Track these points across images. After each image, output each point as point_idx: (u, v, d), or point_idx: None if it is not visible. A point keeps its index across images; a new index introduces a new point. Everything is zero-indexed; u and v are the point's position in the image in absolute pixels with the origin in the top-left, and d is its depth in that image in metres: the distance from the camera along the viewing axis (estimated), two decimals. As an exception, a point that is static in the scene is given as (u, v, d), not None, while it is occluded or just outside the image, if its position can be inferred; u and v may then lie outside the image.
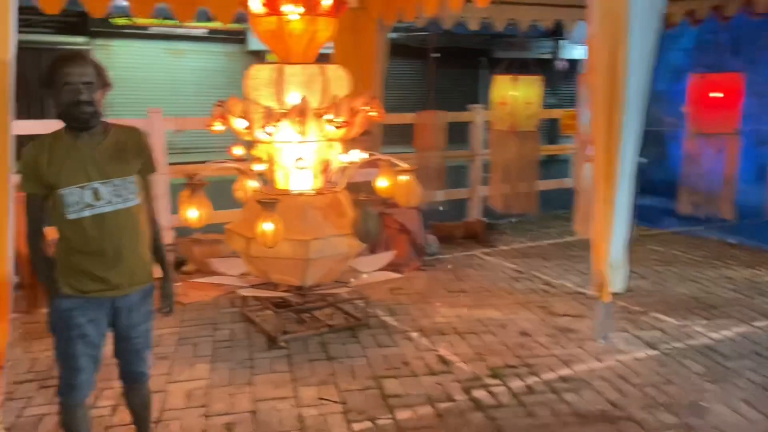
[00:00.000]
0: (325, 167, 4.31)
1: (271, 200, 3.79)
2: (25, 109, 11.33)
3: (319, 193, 4.26)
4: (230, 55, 15.30)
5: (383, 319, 4.59)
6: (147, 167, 2.56)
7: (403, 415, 3.26)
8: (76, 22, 13.83)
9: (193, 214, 3.95)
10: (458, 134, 7.67)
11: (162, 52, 15.70)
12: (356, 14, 6.18)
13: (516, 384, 3.60)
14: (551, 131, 16.03)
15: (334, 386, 3.56)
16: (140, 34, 15.22)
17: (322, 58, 4.49)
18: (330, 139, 4.17)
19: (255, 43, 13.90)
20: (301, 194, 4.22)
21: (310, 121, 3.95)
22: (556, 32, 17.26)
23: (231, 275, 4.56)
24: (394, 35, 17.28)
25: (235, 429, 3.13)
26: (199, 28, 15.27)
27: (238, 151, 4.32)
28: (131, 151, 2.49)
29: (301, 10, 3.98)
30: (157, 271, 2.69)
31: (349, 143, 4.60)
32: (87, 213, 2.39)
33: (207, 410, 3.30)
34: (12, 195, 2.64)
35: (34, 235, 2.42)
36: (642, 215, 7.35)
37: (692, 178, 6.64)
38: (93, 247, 2.41)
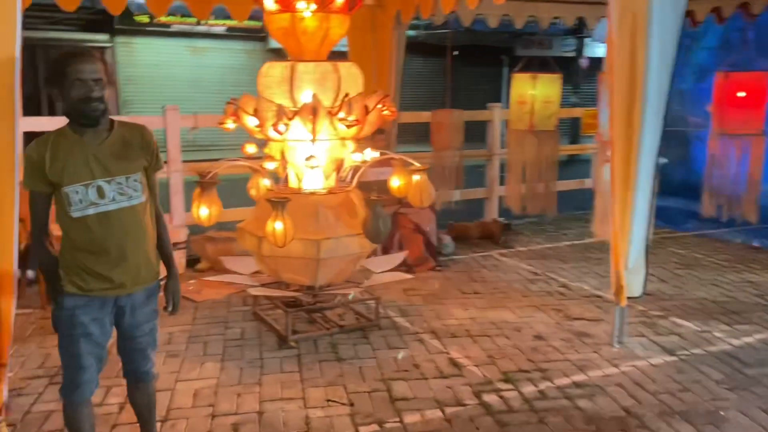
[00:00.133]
0: (338, 166, 4.27)
1: (281, 199, 3.76)
2: (48, 106, 11.49)
3: (331, 192, 4.23)
4: (251, 53, 15.35)
5: (395, 320, 4.54)
6: (152, 165, 2.54)
7: (411, 418, 3.21)
8: (100, 19, 13.96)
9: (203, 212, 3.93)
10: (479, 133, 7.59)
11: (183, 49, 15.80)
12: (373, 11, 6.14)
13: (528, 389, 3.52)
14: (573, 130, 15.88)
15: (343, 388, 3.52)
16: (162, 31, 15.33)
17: (340, 56, 4.45)
18: (342, 138, 4.13)
19: (275, 41, 13.97)
20: (312, 193, 4.19)
21: (322, 119, 3.91)
22: (580, 30, 17.12)
23: (243, 274, 4.55)
24: (413, 33, 17.32)
25: (240, 430, 3.11)
26: (220, 26, 15.36)
27: (251, 149, 4.29)
28: (136, 149, 2.47)
29: (314, 7, 3.94)
30: (163, 270, 2.66)
31: (362, 142, 4.56)
32: (91, 211, 2.37)
33: (214, 410, 3.28)
34: (18, 192, 2.63)
35: (38, 233, 2.41)
36: (664, 217, 7.23)
37: (716, 180, 6.48)
38: (97, 245, 2.39)
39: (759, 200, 6.30)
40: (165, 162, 5.91)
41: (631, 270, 3.98)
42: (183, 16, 14.32)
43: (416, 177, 4.21)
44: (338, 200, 4.21)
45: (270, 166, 4.18)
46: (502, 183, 7.31)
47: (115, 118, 2.51)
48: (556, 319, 4.59)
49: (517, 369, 3.76)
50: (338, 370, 3.74)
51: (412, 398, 3.41)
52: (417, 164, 4.21)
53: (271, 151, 4.22)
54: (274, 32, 4.16)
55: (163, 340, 4.12)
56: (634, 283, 4.02)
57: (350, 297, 4.46)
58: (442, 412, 3.27)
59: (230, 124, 4.17)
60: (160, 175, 6.02)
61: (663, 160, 6.94)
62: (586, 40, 17.88)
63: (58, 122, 2.45)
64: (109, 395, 3.37)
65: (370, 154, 4.23)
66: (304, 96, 3.99)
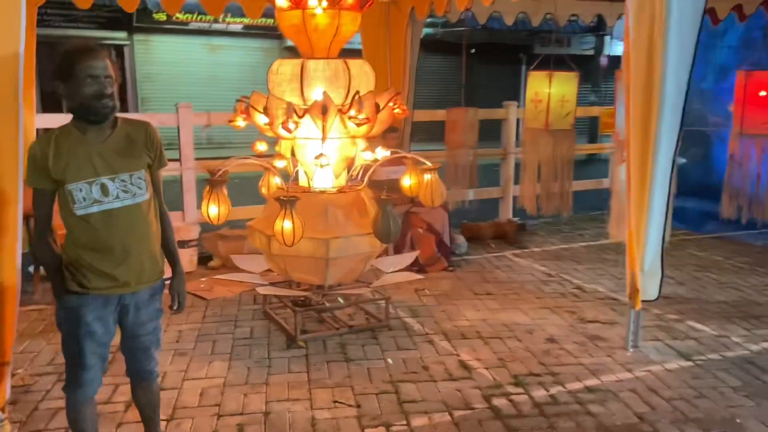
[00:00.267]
0: (348, 165, 4.22)
1: (289, 198, 3.73)
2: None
3: (342, 191, 4.19)
4: (267, 51, 15.37)
5: (405, 320, 4.49)
6: (156, 162, 2.51)
7: (418, 421, 3.16)
8: (118, 17, 14.07)
9: (213, 210, 3.90)
10: (496, 132, 7.51)
11: (200, 47, 15.87)
12: (387, 8, 6.09)
13: (539, 393, 3.46)
14: (592, 130, 15.72)
15: (350, 389, 3.48)
16: (179, 29, 15.40)
17: (354, 54, 4.41)
18: (353, 136, 4.08)
19: (291, 39, 13.97)
20: (323, 192, 4.15)
21: (332, 117, 3.87)
22: (599, 27, 16.92)
23: (253, 272, 4.52)
24: (431, 30, 17.24)
25: (246, 430, 3.07)
26: (237, 24, 15.38)
27: (262, 146, 4.26)
28: (140, 146, 2.44)
29: (326, 4, 3.90)
30: (168, 269, 2.64)
31: (373, 140, 4.52)
32: (95, 209, 2.35)
33: (220, 410, 3.25)
34: (22, 189, 2.62)
35: (41, 230, 2.40)
36: (682, 218, 7.10)
37: (736, 181, 6.35)
38: (101, 243, 2.37)
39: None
40: (178, 159, 5.94)
41: (647, 272, 3.89)
42: (200, 14, 14.39)
43: (427, 176, 4.15)
44: (348, 199, 4.17)
45: (280, 164, 4.15)
46: (517, 182, 7.23)
47: (119, 115, 2.48)
48: (570, 321, 4.51)
49: (528, 372, 3.70)
50: (346, 370, 3.70)
51: (421, 401, 3.36)
52: (428, 163, 4.16)
53: (282, 149, 4.19)
54: (285, 29, 4.13)
55: (172, 338, 4.15)
56: (649, 285, 3.93)
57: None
58: (451, 415, 3.22)
59: (240, 122, 4.14)
60: (173, 173, 6.08)
61: (682, 160, 6.84)
62: (606, 38, 17.68)
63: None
64: (116, 393, 3.36)
65: (381, 153, 4.19)
66: (315, 94, 3.95)
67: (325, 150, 3.93)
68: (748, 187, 6.22)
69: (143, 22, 14.84)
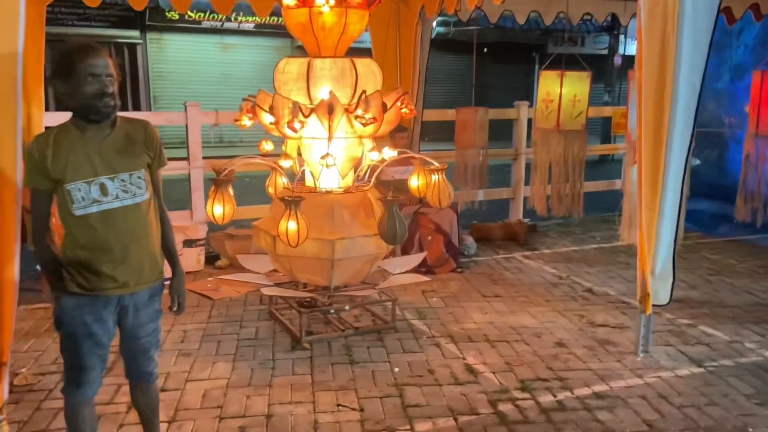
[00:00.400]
0: (355, 165, 4.18)
1: (294, 198, 3.69)
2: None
3: (348, 191, 4.14)
4: (279, 50, 15.37)
5: (412, 322, 4.44)
6: (156, 161, 2.47)
7: (422, 426, 3.10)
8: (131, 16, 14.14)
9: (217, 210, 3.87)
10: (508, 132, 7.43)
11: (213, 46, 15.92)
12: (397, 7, 6.04)
13: (546, 399, 3.39)
14: (605, 130, 15.56)
15: (354, 392, 3.43)
16: (192, 28, 15.45)
17: (364, 53, 4.36)
18: (360, 136, 4.04)
19: (303, 38, 13.96)
20: (329, 192, 4.11)
21: (338, 116, 3.82)
22: (613, 27, 16.77)
23: (258, 273, 4.49)
24: (443, 30, 17.16)
25: (247, 433, 3.05)
26: (249, 23, 15.39)
27: (268, 146, 4.23)
28: (140, 145, 2.41)
29: (333, 2, 3.85)
30: (167, 269, 2.60)
31: (381, 140, 4.47)
32: (94, 209, 2.32)
33: (222, 412, 3.22)
34: (20, 188, 2.60)
35: (39, 231, 2.37)
36: (696, 220, 7.00)
37: (751, 183, 6.23)
38: (100, 243, 2.34)
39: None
40: (186, 158, 5.93)
41: (658, 276, 3.81)
42: (212, 12, 14.43)
43: (435, 177, 4.10)
44: (355, 200, 4.12)
45: (285, 164, 4.11)
46: (528, 183, 7.15)
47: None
48: (579, 325, 4.43)
49: (535, 377, 3.63)
50: (350, 373, 3.66)
51: (425, 405, 3.31)
52: (436, 163, 4.10)
53: (288, 149, 4.15)
54: (292, 27, 4.09)
55: (177, 338, 4.13)
56: (661, 290, 3.85)
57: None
58: (455, 420, 3.16)
59: (246, 121, 4.10)
60: (182, 172, 6.07)
61: (695, 162, 6.74)
62: (621, 38, 17.51)
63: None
64: (118, 394, 3.34)
65: (388, 153, 4.14)
66: (322, 93, 3.90)
67: (332, 150, 3.89)
68: (764, 189, 6.09)
69: (156, 21, 14.91)
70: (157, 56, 15.50)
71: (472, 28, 14.52)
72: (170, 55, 15.60)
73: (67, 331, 2.41)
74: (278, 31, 15.18)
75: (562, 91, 5.89)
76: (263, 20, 14.47)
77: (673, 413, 3.25)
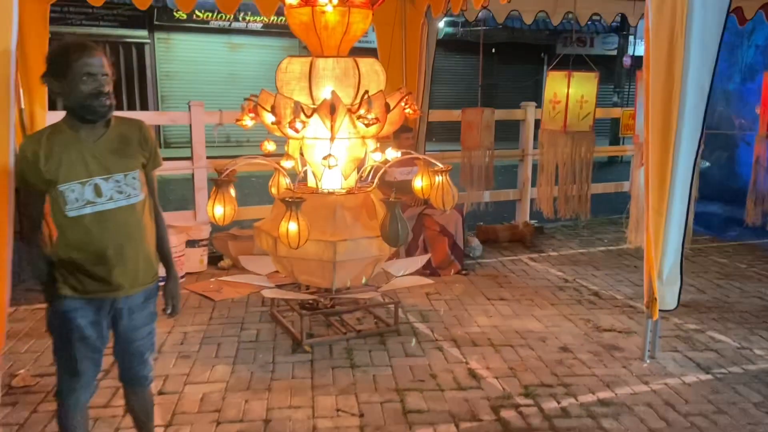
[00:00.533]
0: (358, 166, 4.13)
1: (295, 199, 3.64)
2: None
3: (350, 192, 4.09)
4: (287, 50, 15.34)
5: (415, 325, 4.38)
6: (151, 161, 2.43)
7: (422, 433, 3.06)
8: (139, 16, 14.15)
9: (218, 210, 3.83)
10: (515, 132, 7.36)
11: (221, 46, 15.92)
12: (403, 6, 5.99)
13: (550, 405, 3.33)
14: (613, 131, 15.45)
15: (354, 397, 3.38)
16: (200, 28, 15.47)
17: (370, 53, 4.32)
18: (363, 137, 3.99)
19: (310, 37, 13.94)
20: (331, 193, 4.06)
21: (341, 117, 3.77)
22: (623, 27, 16.64)
23: (259, 274, 4.45)
24: (451, 30, 17.08)
25: (245, 438, 3.00)
26: (257, 23, 15.39)
27: (270, 146, 4.19)
28: (134, 145, 2.37)
29: (336, 1, 3.81)
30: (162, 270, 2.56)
31: (386, 140, 4.42)
32: (88, 210, 2.27)
33: (219, 416, 3.17)
34: (12, 188, 2.56)
35: (31, 232, 2.33)
36: (705, 223, 6.91)
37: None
38: (94, 245, 2.30)
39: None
40: (190, 158, 5.90)
41: (666, 281, 3.74)
42: (220, 12, 14.41)
43: (439, 178, 4.04)
44: (357, 201, 4.07)
45: (287, 164, 4.07)
46: (534, 184, 7.08)
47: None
48: (585, 329, 4.36)
49: (539, 383, 3.57)
50: (351, 377, 3.60)
51: (426, 411, 3.25)
52: (440, 165, 4.05)
53: (290, 150, 4.11)
54: (295, 27, 4.04)
55: (177, 339, 4.09)
56: (668, 294, 3.78)
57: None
58: (457, 427, 3.10)
59: (248, 121, 4.06)
60: (185, 171, 6.03)
61: (705, 164, 6.65)
62: (630, 38, 17.38)
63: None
64: (115, 398, 3.29)
65: (392, 154, 4.09)
66: (324, 93, 3.86)
67: (334, 150, 3.84)
68: (774, 192, 6.01)
69: (164, 21, 14.94)
70: (165, 56, 15.52)
71: (480, 28, 14.45)
72: (178, 55, 15.62)
73: (59, 335, 2.37)
74: (286, 31, 15.14)
75: (569, 91, 5.82)
76: (271, 20, 14.51)
77: (679, 421, 3.18)
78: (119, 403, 3.24)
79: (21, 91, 4.58)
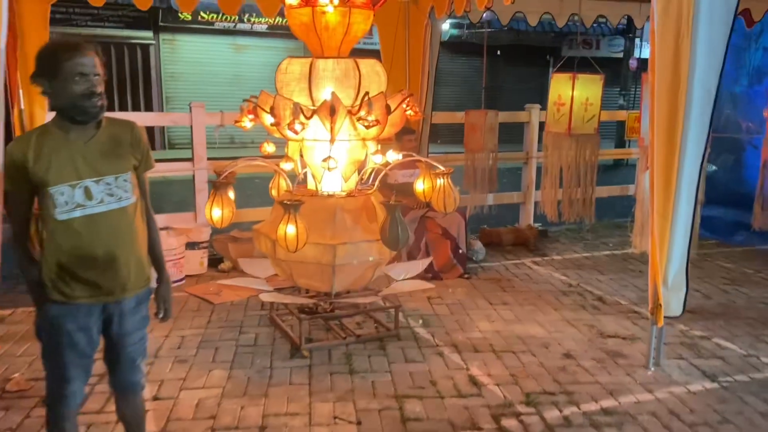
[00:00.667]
0: (358, 168, 4.07)
1: (293, 202, 3.59)
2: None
3: (351, 195, 4.03)
4: (292, 51, 15.30)
5: (416, 330, 4.32)
6: (143, 164, 2.38)
7: (421, 441, 2.99)
8: (144, 17, 14.15)
9: (216, 213, 3.78)
10: (519, 135, 7.29)
11: (226, 47, 15.91)
12: (407, 7, 5.93)
13: (552, 414, 3.26)
14: (619, 134, 15.35)
15: (352, 404, 3.32)
16: (205, 29, 15.46)
17: (373, 55, 4.26)
18: (363, 139, 3.93)
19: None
20: (331, 196, 4.00)
21: (341, 118, 3.72)
22: (629, 29, 16.54)
23: (258, 277, 4.40)
24: (456, 32, 17.03)
25: (240, 446, 2.95)
26: (262, 24, 15.37)
27: (269, 148, 4.14)
28: (126, 147, 2.32)
29: (337, 1, 3.75)
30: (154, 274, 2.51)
31: (388, 143, 4.37)
32: (78, 213, 2.22)
33: (215, 423, 3.12)
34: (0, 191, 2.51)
35: (19, 236, 2.28)
36: (711, 228, 6.81)
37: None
38: (84, 249, 2.25)
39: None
40: (189, 159, 5.86)
41: (671, 287, 3.67)
42: (217, 13, 14.42)
43: (440, 181, 3.98)
44: (357, 204, 4.02)
45: (287, 166, 4.02)
46: (539, 187, 7.01)
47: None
48: (588, 336, 4.29)
49: (541, 390, 3.50)
50: (349, 383, 3.54)
51: (425, 419, 3.19)
52: (441, 167, 3.99)
53: (289, 151, 4.05)
54: (295, 27, 4.00)
55: (173, 343, 4.04)
56: (673, 301, 3.71)
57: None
58: (456, 435, 3.05)
59: (247, 123, 4.01)
60: (186, 173, 5.98)
61: (712, 168, 6.56)
62: (636, 41, 17.28)
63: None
64: (109, 403, 3.23)
65: (393, 156, 4.03)
66: (324, 94, 3.80)
67: (334, 152, 3.78)
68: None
69: (169, 22, 14.93)
70: (170, 57, 15.52)
71: (485, 30, 14.40)
72: (183, 56, 15.61)
73: (48, 341, 2.32)
74: (291, 33, 15.11)
75: (574, 94, 5.75)
76: (276, 21, 14.50)
77: (684, 431, 3.11)
78: (113, 409, 3.17)
79: (21, 91, 4.54)
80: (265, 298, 4.09)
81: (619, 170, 13.60)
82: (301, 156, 4.02)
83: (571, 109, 5.76)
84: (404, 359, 3.87)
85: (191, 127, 5.79)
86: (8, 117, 4.66)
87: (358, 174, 4.12)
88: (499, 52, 17.78)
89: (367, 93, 3.74)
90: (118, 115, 2.31)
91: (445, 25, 14.71)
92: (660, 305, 3.63)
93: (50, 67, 2.18)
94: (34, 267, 2.29)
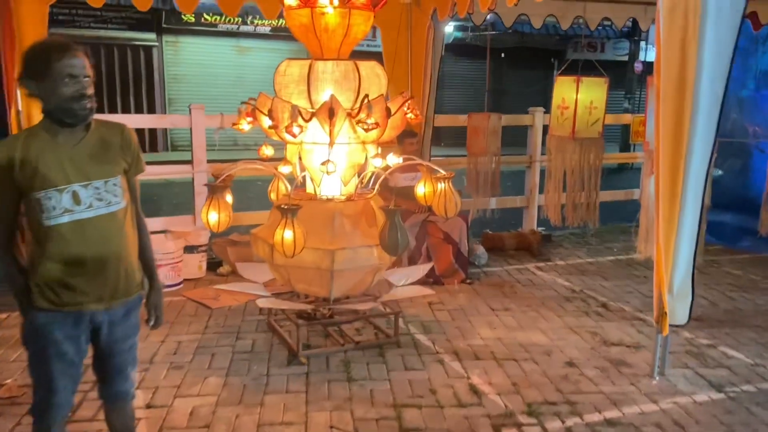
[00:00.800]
0: (358, 172, 4.00)
1: (291, 206, 3.52)
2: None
3: (350, 199, 3.97)
4: (295, 53, 15.19)
5: (416, 337, 4.25)
6: (134, 167, 2.32)
7: (419, 453, 2.92)
8: (148, 18, 14.14)
9: (212, 217, 3.72)
10: (523, 138, 7.22)
11: (229, 49, 15.88)
12: (409, 9, 5.88)
13: (554, 425, 3.18)
14: (624, 138, 15.27)
15: (350, 413, 3.25)
16: (208, 31, 15.43)
17: (376, 57, 4.20)
18: (363, 142, 3.87)
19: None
20: (330, 200, 3.94)
21: (340, 121, 3.65)
22: (634, 32, 16.45)
23: (256, 282, 4.33)
24: (460, 34, 16.96)
25: (233, 456, 2.88)
26: (265, 26, 15.33)
27: (268, 151, 4.08)
28: (115, 150, 2.25)
29: (336, 2, 3.69)
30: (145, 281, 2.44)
31: (389, 146, 4.30)
32: (66, 219, 2.16)
33: (208, 432, 3.06)
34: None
35: (4, 241, 2.21)
36: (718, 233, 6.72)
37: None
38: (72, 256, 2.18)
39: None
40: (190, 161, 5.80)
41: (676, 294, 3.59)
42: (217, 14, 14.40)
43: (441, 185, 3.91)
44: (357, 208, 3.95)
45: (285, 169, 3.95)
46: (542, 191, 6.92)
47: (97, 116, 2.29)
48: (592, 343, 4.21)
49: (543, 400, 3.42)
50: (347, 392, 3.47)
51: (424, 429, 3.11)
52: (442, 171, 3.92)
53: (288, 155, 3.99)
54: (294, 29, 3.93)
55: (169, 349, 3.98)
56: (678, 308, 3.62)
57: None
58: (455, 447, 2.97)
59: (245, 125, 3.95)
60: (186, 175, 5.92)
61: (718, 172, 6.47)
62: (642, 44, 17.19)
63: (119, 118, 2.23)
64: (101, 412, 3.16)
65: (393, 159, 3.97)
66: (323, 96, 3.74)
67: (333, 156, 3.71)
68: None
69: (172, 24, 14.91)
70: (173, 59, 15.50)
71: (489, 33, 14.33)
72: (186, 58, 15.59)
73: (35, 350, 2.26)
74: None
75: (578, 97, 5.69)
76: (279, 23, 14.46)
77: (690, 444, 3.03)
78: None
79: (18, 92, 4.50)
80: (263, 303, 4.03)
81: (623, 174, 13.48)
82: (300, 159, 3.96)
83: (576, 112, 5.70)
84: (404, 367, 3.80)
85: (191, 129, 5.73)
86: (6, 118, 4.63)
87: (358, 177, 4.05)
88: (503, 55, 17.72)
89: (366, 95, 3.67)
90: (119, 117, 2.23)
91: (449, 28, 14.65)
92: (665, 313, 3.55)
93: (39, 69, 2.12)
94: (21, 274, 2.23)
